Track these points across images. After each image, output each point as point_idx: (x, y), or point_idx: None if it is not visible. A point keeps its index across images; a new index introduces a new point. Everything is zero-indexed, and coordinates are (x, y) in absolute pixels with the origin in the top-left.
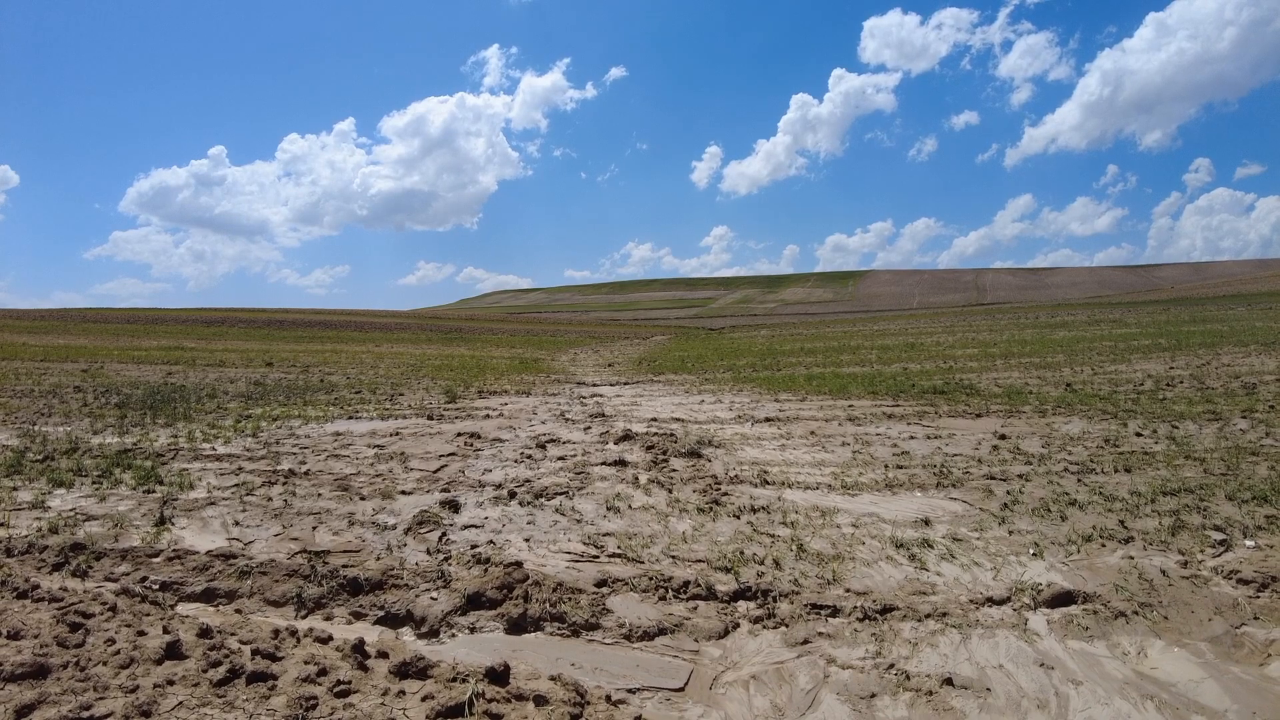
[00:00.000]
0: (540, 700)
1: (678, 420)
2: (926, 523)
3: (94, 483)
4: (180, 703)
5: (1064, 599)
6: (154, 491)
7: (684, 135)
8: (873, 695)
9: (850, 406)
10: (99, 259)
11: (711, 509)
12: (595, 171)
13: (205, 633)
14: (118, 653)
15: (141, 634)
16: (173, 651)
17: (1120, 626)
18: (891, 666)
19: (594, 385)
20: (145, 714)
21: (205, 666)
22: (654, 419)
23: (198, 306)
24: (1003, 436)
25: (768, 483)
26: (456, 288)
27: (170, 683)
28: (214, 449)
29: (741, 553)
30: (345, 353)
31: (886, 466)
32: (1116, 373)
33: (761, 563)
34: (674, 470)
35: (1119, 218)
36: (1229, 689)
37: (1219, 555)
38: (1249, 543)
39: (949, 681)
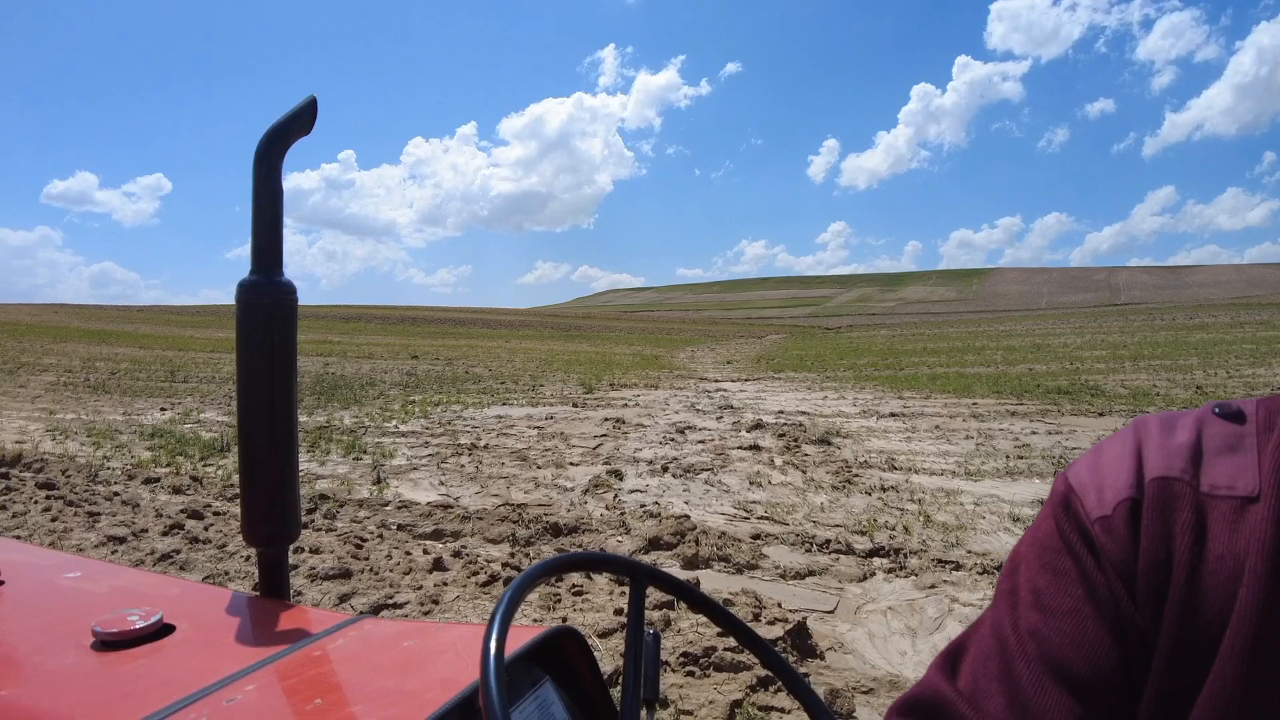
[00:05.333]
0: (728, 602)
1: (804, 413)
2: (1043, 503)
3: (308, 450)
4: (457, 596)
5: None
6: (361, 459)
7: (800, 129)
8: None
9: (974, 405)
10: (240, 259)
11: (845, 487)
12: (709, 168)
13: (457, 554)
14: (397, 564)
15: (408, 554)
16: (438, 565)
17: None
18: None
19: (716, 381)
20: (435, 602)
21: (469, 574)
22: (781, 411)
23: (332, 303)
24: None
25: (895, 468)
26: (572, 286)
27: (445, 584)
28: (397, 427)
29: (874, 520)
30: (480, 348)
31: (1008, 457)
32: (1254, 376)
33: (892, 529)
34: (806, 455)
35: (1275, 210)
36: None
37: None
38: None
39: None
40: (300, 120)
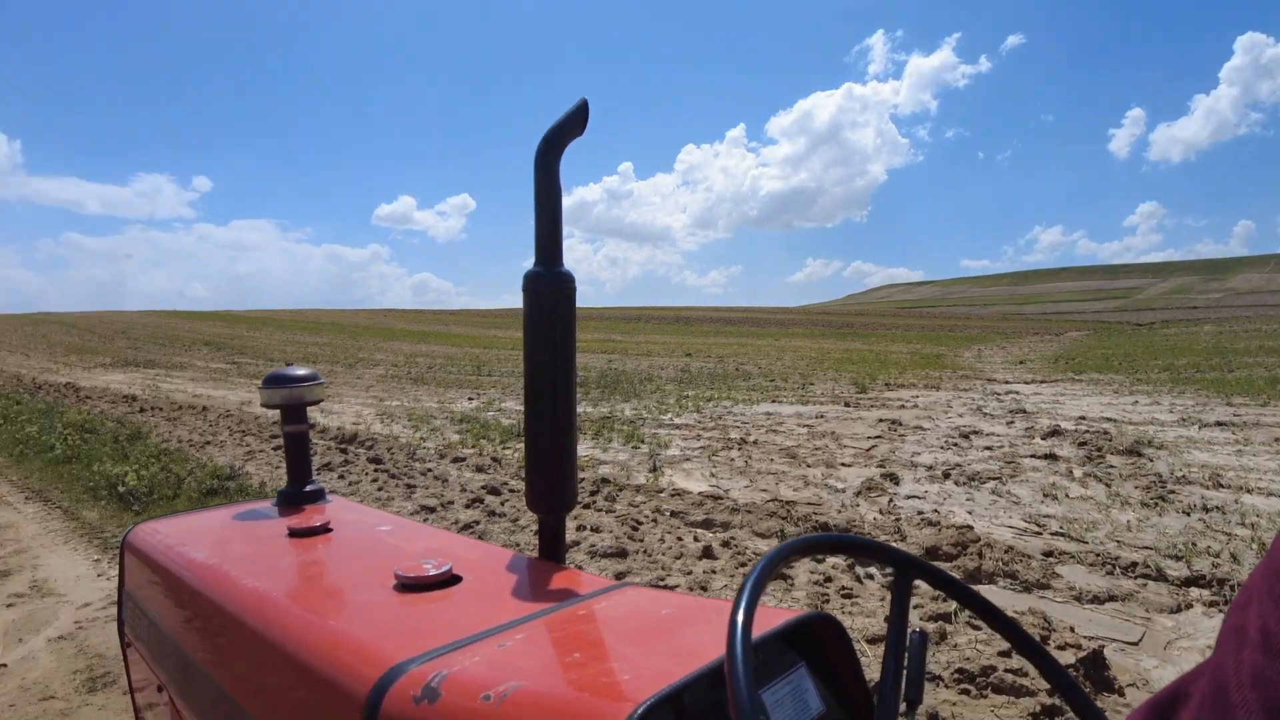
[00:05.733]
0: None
1: (1109, 420)
2: None
3: (593, 438)
4: (725, 585)
5: None
6: (640, 448)
7: (1098, 99)
8: None
9: None
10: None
11: (1157, 504)
12: (994, 150)
13: (726, 544)
14: (669, 548)
15: (680, 539)
16: (708, 553)
17: None
18: None
19: (1006, 382)
20: (703, 588)
21: (736, 564)
22: (1082, 417)
23: (614, 305)
24: None
25: (1221, 485)
26: (844, 283)
27: (713, 571)
28: (671, 420)
29: (1193, 545)
30: (750, 346)
31: None
32: None
33: (1216, 556)
34: (1111, 467)
35: None
36: None
37: None
38: None
39: None
40: (573, 123)
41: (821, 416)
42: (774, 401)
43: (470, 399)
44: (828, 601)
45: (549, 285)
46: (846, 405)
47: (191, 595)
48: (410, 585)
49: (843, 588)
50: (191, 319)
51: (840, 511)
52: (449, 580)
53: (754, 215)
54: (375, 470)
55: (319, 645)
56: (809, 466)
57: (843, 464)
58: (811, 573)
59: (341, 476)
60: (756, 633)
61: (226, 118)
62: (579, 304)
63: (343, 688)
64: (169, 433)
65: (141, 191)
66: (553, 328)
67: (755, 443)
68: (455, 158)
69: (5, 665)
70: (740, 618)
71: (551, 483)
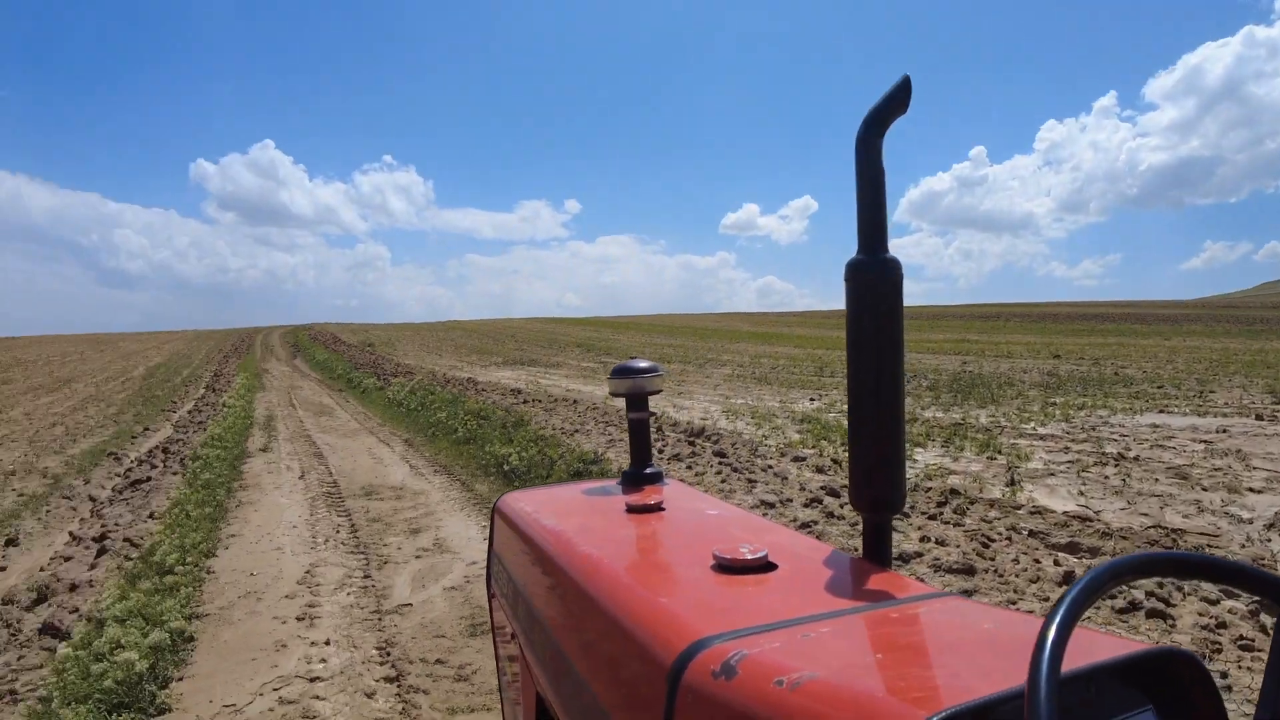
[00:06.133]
0: None
1: None
2: None
3: (942, 445)
4: (1088, 617)
5: None
6: (995, 459)
7: None
8: None
9: None
10: None
11: None
12: None
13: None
14: (1024, 570)
15: (1037, 561)
16: (1069, 579)
17: None
18: None
19: None
20: None
21: (1107, 596)
22: None
23: (969, 303)
24: None
25: None
26: (1254, 269)
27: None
28: (1034, 429)
29: None
30: (1132, 346)
31: None
32: None
33: None
34: None
35: None
36: None
37: None
38: None
39: None
40: (895, 101)
41: (1224, 431)
42: (1162, 411)
43: (811, 399)
44: (1220, 651)
45: (873, 273)
46: (1258, 418)
47: (540, 557)
48: (726, 566)
49: (1240, 637)
50: (566, 324)
51: (1244, 546)
52: (764, 566)
53: (1133, 194)
54: (720, 463)
55: (637, 613)
56: (1205, 490)
57: (1250, 489)
58: (1200, 615)
59: (689, 467)
60: (1094, 659)
61: (589, 147)
62: (925, 301)
63: (652, 654)
64: (545, 421)
65: (524, 216)
66: (877, 317)
67: (1136, 459)
68: (794, 161)
69: (411, 605)
70: (1052, 634)
71: (875, 480)
